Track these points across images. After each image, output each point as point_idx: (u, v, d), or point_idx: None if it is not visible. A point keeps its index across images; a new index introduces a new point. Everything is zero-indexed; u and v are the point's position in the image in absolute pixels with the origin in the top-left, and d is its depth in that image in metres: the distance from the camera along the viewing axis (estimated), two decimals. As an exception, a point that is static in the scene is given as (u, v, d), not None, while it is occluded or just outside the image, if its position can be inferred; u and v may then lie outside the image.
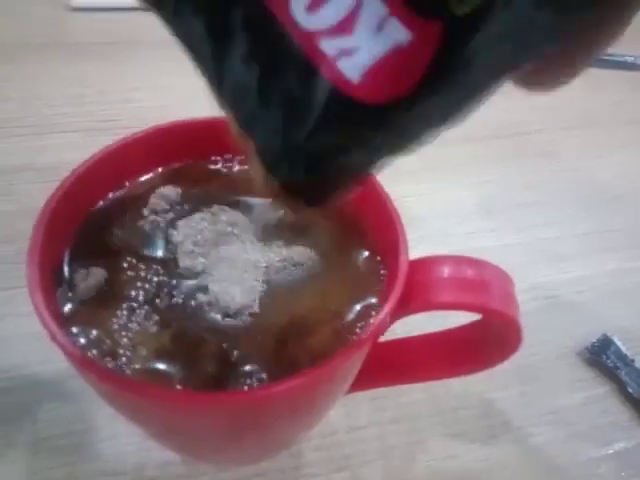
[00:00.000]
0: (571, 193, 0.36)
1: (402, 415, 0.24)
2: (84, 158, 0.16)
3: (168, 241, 0.16)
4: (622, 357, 0.26)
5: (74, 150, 0.17)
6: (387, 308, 0.14)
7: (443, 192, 0.35)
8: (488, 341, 0.17)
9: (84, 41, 0.43)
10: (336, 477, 0.22)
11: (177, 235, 0.16)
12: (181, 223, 0.17)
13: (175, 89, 0.39)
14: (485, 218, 0.33)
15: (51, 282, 0.15)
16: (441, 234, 0.32)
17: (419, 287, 0.15)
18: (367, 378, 0.19)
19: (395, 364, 0.19)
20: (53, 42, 0.42)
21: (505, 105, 0.42)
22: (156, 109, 0.30)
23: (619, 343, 0.26)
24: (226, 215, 0.17)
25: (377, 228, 0.18)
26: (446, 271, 0.15)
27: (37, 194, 0.16)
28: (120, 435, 0.22)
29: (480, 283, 0.15)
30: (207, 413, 0.12)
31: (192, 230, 0.16)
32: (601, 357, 0.26)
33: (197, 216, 0.17)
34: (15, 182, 0.32)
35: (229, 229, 0.17)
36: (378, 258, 0.17)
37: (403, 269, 0.15)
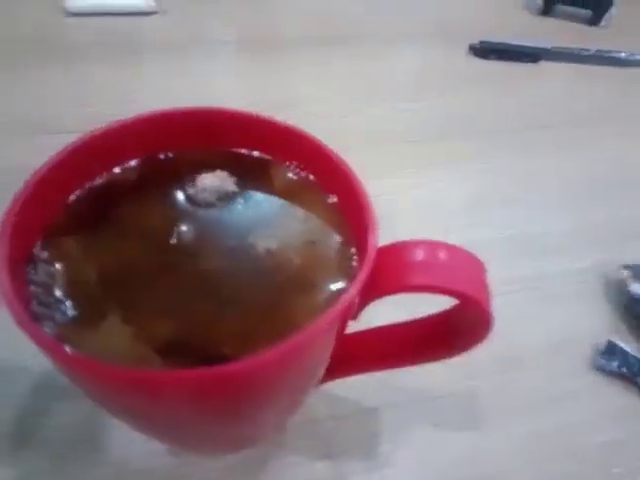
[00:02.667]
0: (557, 188, 0.36)
1: (385, 404, 0.24)
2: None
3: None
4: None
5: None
6: (356, 286, 0.14)
7: (426, 187, 0.35)
8: (460, 327, 0.17)
9: (80, 45, 0.44)
10: (319, 465, 0.22)
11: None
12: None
13: (171, 90, 0.40)
14: (471, 213, 0.34)
15: (23, 266, 0.15)
16: (425, 229, 0.32)
17: (390, 269, 0.15)
18: (343, 365, 0.19)
19: (370, 352, 0.19)
20: (50, 46, 0.43)
21: (491, 103, 0.43)
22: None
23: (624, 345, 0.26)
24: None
25: (352, 217, 0.18)
26: (417, 254, 0.16)
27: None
28: (108, 426, 0.22)
29: (451, 266, 0.15)
30: (170, 390, 0.12)
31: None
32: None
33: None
34: (7, 183, 0.32)
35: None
36: (352, 249, 0.18)
37: (372, 249, 0.15)
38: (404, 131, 0.39)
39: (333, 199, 0.19)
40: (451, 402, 0.24)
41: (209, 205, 0.18)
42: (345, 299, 0.14)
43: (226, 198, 0.18)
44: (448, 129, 0.40)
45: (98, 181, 0.18)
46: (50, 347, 0.12)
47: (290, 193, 0.19)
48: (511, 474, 0.22)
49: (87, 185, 0.17)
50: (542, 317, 0.28)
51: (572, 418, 0.24)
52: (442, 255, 0.16)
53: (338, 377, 0.20)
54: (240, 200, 0.18)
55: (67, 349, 0.13)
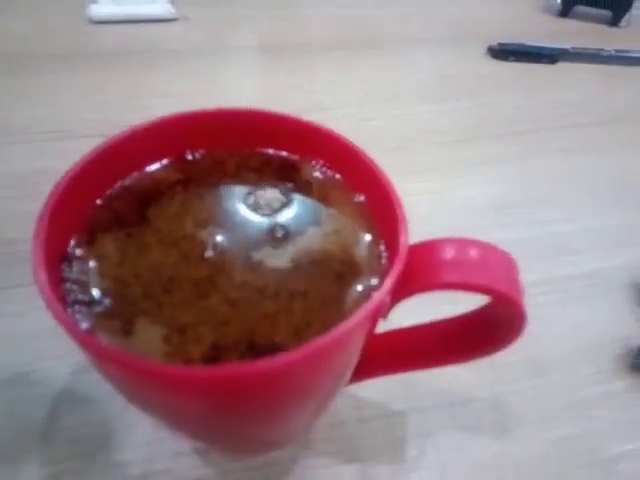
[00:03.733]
0: (583, 189, 0.36)
1: (411, 408, 0.23)
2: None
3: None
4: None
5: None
6: (386, 285, 0.14)
7: (453, 190, 0.35)
8: (492, 326, 0.17)
9: (104, 51, 0.44)
10: (346, 469, 0.22)
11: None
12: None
13: (192, 96, 0.40)
14: (497, 214, 0.33)
15: (57, 264, 0.15)
16: (452, 230, 0.31)
17: (421, 267, 0.15)
18: (371, 366, 0.19)
19: (399, 352, 0.19)
20: (75, 53, 0.44)
21: (515, 103, 0.43)
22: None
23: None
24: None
25: (381, 216, 0.18)
26: (449, 251, 0.15)
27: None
28: (132, 426, 0.22)
29: (483, 264, 0.15)
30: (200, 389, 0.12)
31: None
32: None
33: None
34: (38, 184, 0.33)
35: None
36: (382, 246, 0.17)
37: (403, 247, 0.15)
38: (426, 133, 0.39)
39: (360, 198, 0.19)
40: (478, 407, 0.24)
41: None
42: (378, 297, 0.14)
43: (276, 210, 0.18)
44: (469, 131, 0.40)
45: (132, 180, 0.18)
46: (91, 345, 0.12)
47: (319, 192, 0.19)
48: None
49: (120, 184, 0.18)
50: (570, 319, 0.28)
51: (601, 424, 0.24)
52: (474, 252, 0.15)
53: (366, 378, 0.20)
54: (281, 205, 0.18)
55: (105, 344, 0.13)
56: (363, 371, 0.19)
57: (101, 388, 0.23)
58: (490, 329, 0.17)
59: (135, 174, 0.18)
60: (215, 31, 0.49)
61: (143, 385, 0.13)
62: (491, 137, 0.40)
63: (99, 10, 0.46)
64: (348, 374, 0.18)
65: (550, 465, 0.22)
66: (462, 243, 0.16)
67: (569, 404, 0.24)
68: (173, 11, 0.47)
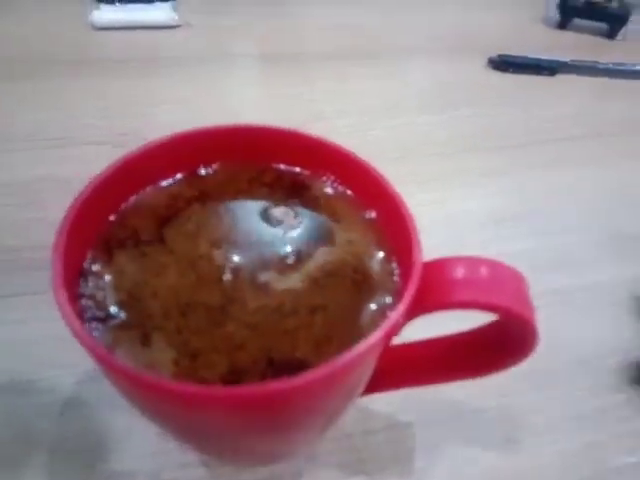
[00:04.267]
0: (583, 200, 0.36)
1: (418, 419, 0.24)
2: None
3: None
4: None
5: (97, 161, 0.17)
6: (402, 305, 0.14)
7: (455, 201, 0.35)
8: (503, 343, 0.17)
9: (106, 58, 0.44)
10: (353, 481, 0.22)
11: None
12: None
13: (193, 102, 0.40)
14: (499, 226, 0.34)
15: (74, 279, 0.15)
16: (455, 242, 0.32)
17: (434, 286, 0.15)
18: (380, 381, 0.19)
19: (409, 367, 0.19)
20: (77, 59, 0.44)
21: (515, 114, 0.44)
22: (176, 122, 0.32)
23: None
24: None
25: (392, 232, 0.18)
26: (460, 271, 0.16)
27: (60, 203, 0.16)
28: (138, 437, 0.22)
29: (495, 283, 0.15)
30: (220, 407, 0.13)
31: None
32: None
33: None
34: (39, 191, 0.33)
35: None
36: (394, 263, 0.18)
37: (417, 267, 0.15)
38: (425, 145, 0.40)
39: (371, 214, 0.19)
40: (484, 418, 0.24)
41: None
42: (394, 317, 0.14)
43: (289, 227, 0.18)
44: (469, 141, 0.41)
45: (146, 196, 0.18)
46: (111, 364, 0.12)
47: (330, 208, 0.19)
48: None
49: (135, 199, 0.18)
50: (574, 331, 0.28)
51: (604, 437, 0.24)
52: (486, 271, 0.16)
53: (376, 392, 0.20)
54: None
55: (125, 365, 0.13)
56: (374, 385, 0.19)
57: (105, 398, 0.23)
58: (502, 345, 0.17)
59: (149, 189, 0.18)
60: (217, 38, 0.49)
61: (161, 403, 0.13)
62: (491, 148, 0.40)
63: (102, 16, 0.46)
64: (361, 389, 0.18)
65: (555, 476, 0.23)
66: (473, 262, 0.16)
67: (573, 416, 0.25)
68: (176, 18, 0.48)
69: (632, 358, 0.27)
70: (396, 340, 0.18)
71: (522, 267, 0.17)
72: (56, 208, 0.17)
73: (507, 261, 0.16)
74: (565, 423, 0.24)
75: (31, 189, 0.33)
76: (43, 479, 0.21)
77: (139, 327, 0.15)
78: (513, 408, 0.25)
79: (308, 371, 0.13)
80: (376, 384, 0.19)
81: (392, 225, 0.18)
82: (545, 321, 0.28)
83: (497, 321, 0.17)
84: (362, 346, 0.13)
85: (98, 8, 0.47)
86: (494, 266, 0.16)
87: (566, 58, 0.49)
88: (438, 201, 0.35)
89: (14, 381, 0.23)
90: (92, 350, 0.13)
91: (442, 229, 0.32)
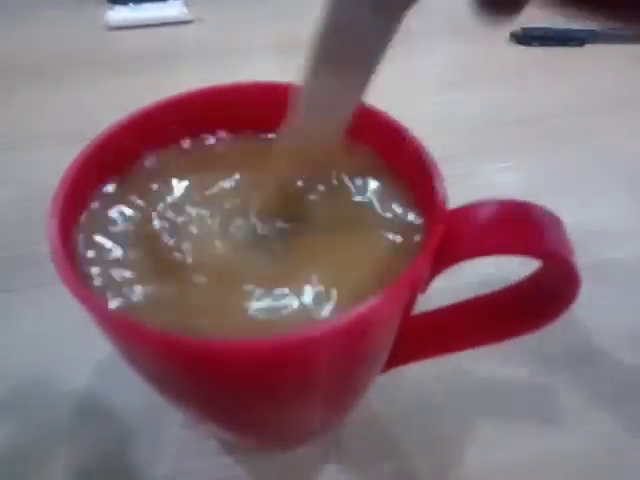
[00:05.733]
0: (618, 171, 0.34)
1: (448, 401, 0.22)
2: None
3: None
4: None
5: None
6: (429, 249, 0.13)
7: (481, 177, 0.33)
8: (542, 293, 0.15)
9: (122, 56, 0.44)
10: (380, 467, 0.20)
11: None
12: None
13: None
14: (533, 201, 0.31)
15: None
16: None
17: (465, 231, 0.14)
18: (407, 350, 0.17)
19: (437, 334, 0.17)
20: (94, 58, 0.44)
21: (538, 89, 0.41)
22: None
23: None
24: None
25: (415, 183, 0.16)
26: (493, 213, 0.14)
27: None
28: (159, 426, 0.21)
29: (530, 224, 0.14)
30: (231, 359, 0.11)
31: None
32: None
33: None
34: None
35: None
36: (418, 215, 0.16)
37: (442, 209, 0.13)
38: (450, 122, 0.38)
39: (388, 161, 0.18)
40: (521, 400, 0.22)
41: None
42: (419, 261, 0.12)
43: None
44: (495, 117, 0.39)
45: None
46: (122, 325, 0.11)
47: (344, 157, 0.17)
48: (589, 475, 0.20)
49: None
50: (614, 306, 0.25)
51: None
52: (518, 213, 0.14)
53: (403, 363, 0.18)
54: None
55: (137, 323, 0.12)
56: (399, 355, 0.17)
57: (123, 390, 0.22)
58: (541, 297, 0.15)
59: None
60: (230, 32, 0.48)
61: (164, 358, 0.12)
62: (515, 123, 0.38)
63: (116, 16, 0.46)
64: (383, 357, 0.16)
65: (601, 460, 0.20)
66: (504, 205, 0.14)
67: (616, 395, 0.22)
68: (186, 12, 0.47)
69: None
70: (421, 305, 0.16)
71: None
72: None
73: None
74: (609, 403, 0.22)
75: (50, 186, 0.33)
76: (66, 470, 0.20)
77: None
78: (552, 388, 0.22)
79: (324, 322, 0.12)
80: (404, 354, 0.18)
81: (411, 171, 0.16)
82: (586, 295, 0.26)
83: (536, 271, 0.15)
84: (387, 293, 0.12)
85: (112, 9, 0.47)
86: (526, 207, 0.14)
87: (595, 27, 0.47)
88: (467, 176, 0.33)
89: (34, 374, 0.23)
90: (100, 313, 0.11)
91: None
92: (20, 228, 0.30)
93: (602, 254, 0.28)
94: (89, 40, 0.46)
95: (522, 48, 0.47)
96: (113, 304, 0.13)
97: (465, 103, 0.40)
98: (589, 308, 0.25)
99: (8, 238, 0.29)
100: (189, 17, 0.47)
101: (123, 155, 0.17)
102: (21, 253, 0.28)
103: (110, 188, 0.16)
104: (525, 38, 0.47)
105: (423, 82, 0.43)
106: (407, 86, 0.42)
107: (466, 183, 0.32)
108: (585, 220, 0.30)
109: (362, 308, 0.11)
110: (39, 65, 0.43)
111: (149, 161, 0.17)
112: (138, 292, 0.13)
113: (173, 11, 0.47)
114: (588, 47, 0.47)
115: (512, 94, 0.41)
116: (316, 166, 0.15)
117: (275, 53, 0.46)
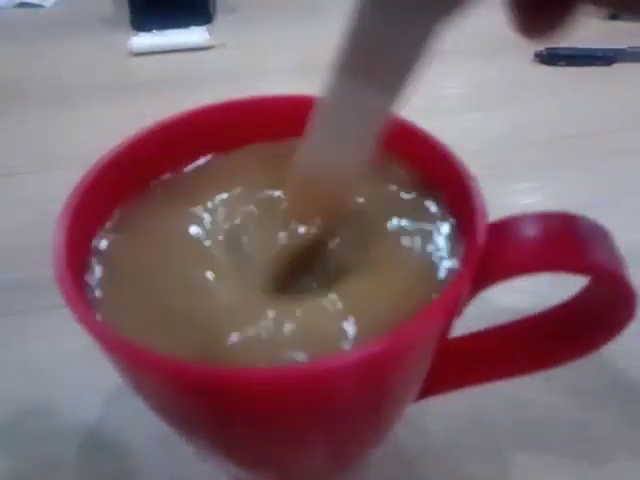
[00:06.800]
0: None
1: (483, 437, 0.20)
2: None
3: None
4: None
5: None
6: (469, 266, 0.11)
7: (511, 197, 0.32)
8: (591, 314, 0.14)
9: (146, 81, 0.45)
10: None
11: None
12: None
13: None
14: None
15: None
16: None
17: (505, 248, 0.12)
18: (441, 377, 0.16)
19: (474, 360, 0.16)
20: (118, 83, 0.44)
21: (565, 109, 0.40)
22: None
23: None
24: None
25: (451, 195, 0.15)
26: (533, 228, 0.13)
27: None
28: (165, 462, 0.20)
29: (576, 238, 0.12)
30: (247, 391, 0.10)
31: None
32: None
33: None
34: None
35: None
36: (454, 227, 0.15)
37: (481, 223, 0.12)
38: (475, 142, 0.37)
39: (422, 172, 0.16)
40: (560, 438, 0.20)
41: None
42: (459, 279, 0.11)
43: None
44: (521, 137, 0.37)
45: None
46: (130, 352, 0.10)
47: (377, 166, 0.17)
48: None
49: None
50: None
51: None
52: (564, 226, 0.13)
53: (438, 393, 0.17)
54: None
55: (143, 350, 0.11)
56: (432, 385, 0.16)
57: (132, 421, 0.21)
58: (590, 319, 0.14)
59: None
60: (251, 57, 0.49)
61: (189, 394, 0.11)
62: (542, 142, 0.37)
63: (140, 42, 0.47)
64: (417, 387, 0.15)
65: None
66: (547, 217, 0.13)
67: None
68: (208, 37, 0.48)
69: None
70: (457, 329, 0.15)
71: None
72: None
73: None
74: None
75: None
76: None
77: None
78: (594, 425, 0.20)
79: (354, 349, 0.10)
80: (436, 383, 0.16)
81: (448, 183, 0.15)
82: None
83: (584, 289, 0.14)
84: (417, 319, 0.10)
85: (136, 35, 0.48)
86: (571, 220, 0.13)
87: (623, 45, 0.46)
88: (492, 197, 0.32)
89: (36, 403, 0.22)
90: (107, 339, 0.11)
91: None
92: (35, 252, 0.29)
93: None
94: (113, 65, 0.47)
95: (548, 68, 0.46)
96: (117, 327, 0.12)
97: (491, 123, 0.39)
98: (630, 338, 0.23)
99: (23, 259, 0.29)
100: (211, 43, 0.48)
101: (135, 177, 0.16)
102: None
103: (119, 212, 0.16)
104: (550, 57, 0.46)
105: (449, 101, 0.42)
106: (433, 106, 0.41)
107: (492, 204, 0.31)
108: (619, 240, 0.28)
109: (397, 333, 0.10)
110: (64, 90, 0.44)
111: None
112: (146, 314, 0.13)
113: (195, 37, 0.48)
114: (617, 66, 0.46)
115: (539, 114, 0.40)
116: (333, 207, 0.14)
117: (296, 77, 0.46)
